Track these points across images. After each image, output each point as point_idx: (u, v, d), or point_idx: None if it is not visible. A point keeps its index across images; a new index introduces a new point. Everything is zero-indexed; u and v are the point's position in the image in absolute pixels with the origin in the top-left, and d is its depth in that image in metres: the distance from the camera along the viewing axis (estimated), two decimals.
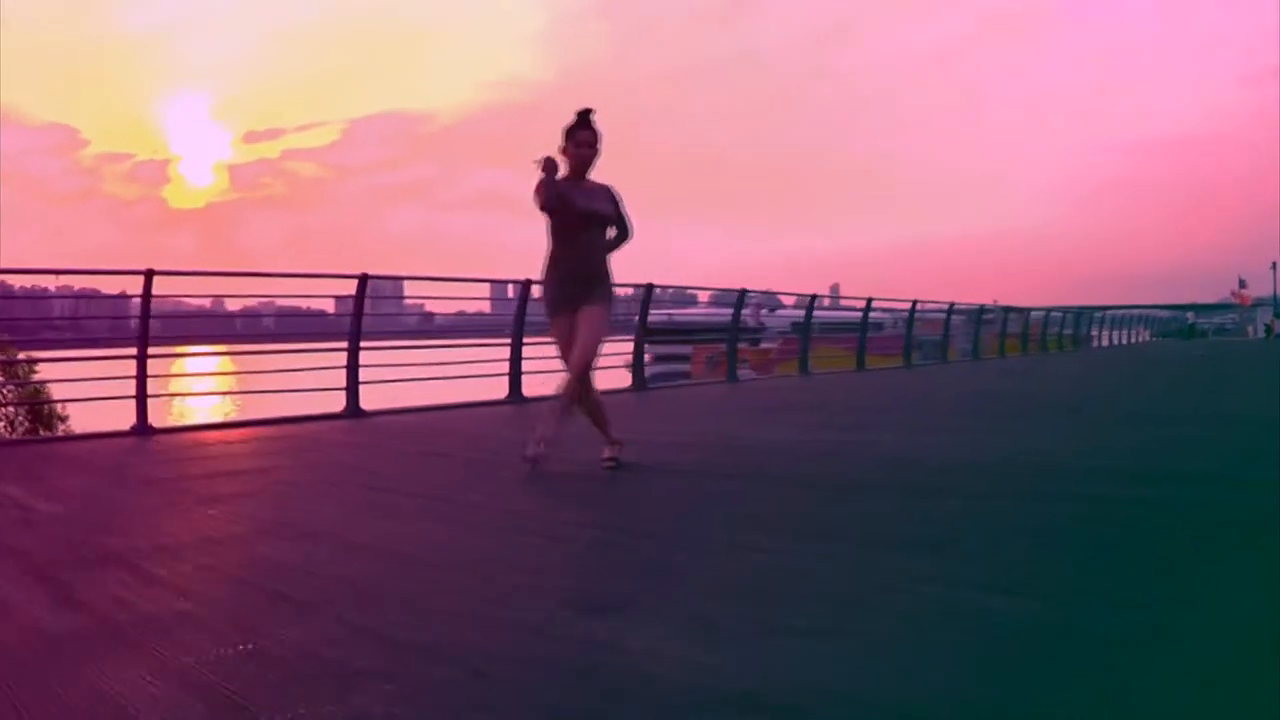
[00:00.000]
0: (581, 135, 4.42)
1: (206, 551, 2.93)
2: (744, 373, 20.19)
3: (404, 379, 8.35)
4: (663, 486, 4.15)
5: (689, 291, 21.37)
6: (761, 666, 1.82)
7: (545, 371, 9.68)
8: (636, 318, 10.91)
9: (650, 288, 10.81)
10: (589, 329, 4.40)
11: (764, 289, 12.76)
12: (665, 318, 25.11)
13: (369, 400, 7.80)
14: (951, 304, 17.30)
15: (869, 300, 14.45)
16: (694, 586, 2.43)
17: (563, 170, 4.36)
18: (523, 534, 3.21)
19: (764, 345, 25.63)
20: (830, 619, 2.11)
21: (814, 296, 13.88)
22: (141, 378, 6.45)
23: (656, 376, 18.26)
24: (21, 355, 8.22)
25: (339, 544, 3.01)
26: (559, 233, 4.44)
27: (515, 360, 9.08)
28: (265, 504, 3.85)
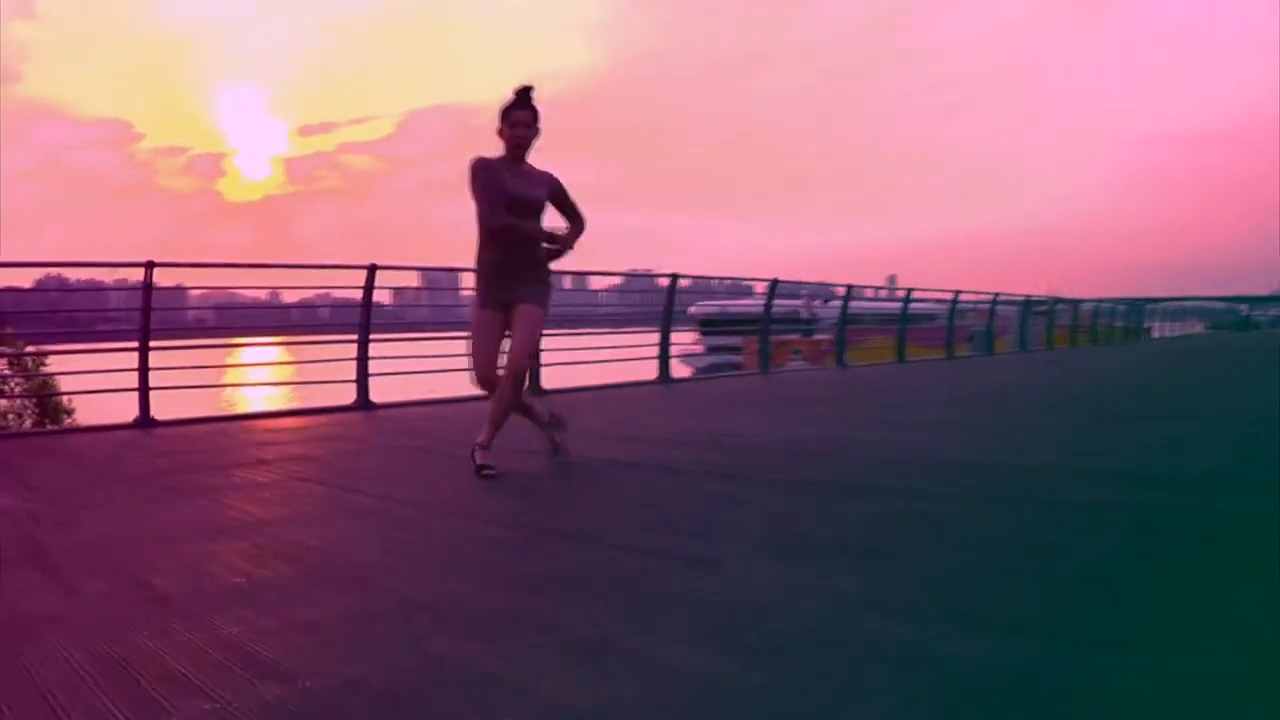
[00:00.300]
0: (517, 115, 4.12)
1: (118, 552, 2.80)
2: (797, 363, 19.98)
3: (412, 371, 8.24)
4: (637, 485, 3.95)
5: (745, 283, 21.21)
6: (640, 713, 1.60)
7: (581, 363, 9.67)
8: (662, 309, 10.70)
9: (676, 278, 10.62)
10: (526, 330, 4.17)
11: (820, 280, 12.65)
12: (718, 309, 24.94)
13: (386, 393, 7.74)
14: (996, 294, 16.82)
15: (909, 291, 14.13)
16: (606, 605, 2.22)
17: (499, 151, 4.15)
18: (425, 534, 3.04)
19: (817, 336, 25.41)
20: (756, 658, 1.85)
21: (851, 287, 13.58)
22: (143, 370, 6.43)
23: (709, 368, 18.15)
24: (30, 349, 8.29)
25: (257, 545, 2.86)
26: (484, 220, 4.17)
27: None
28: (211, 503, 3.72)
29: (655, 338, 10.53)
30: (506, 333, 4.22)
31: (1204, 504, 3.31)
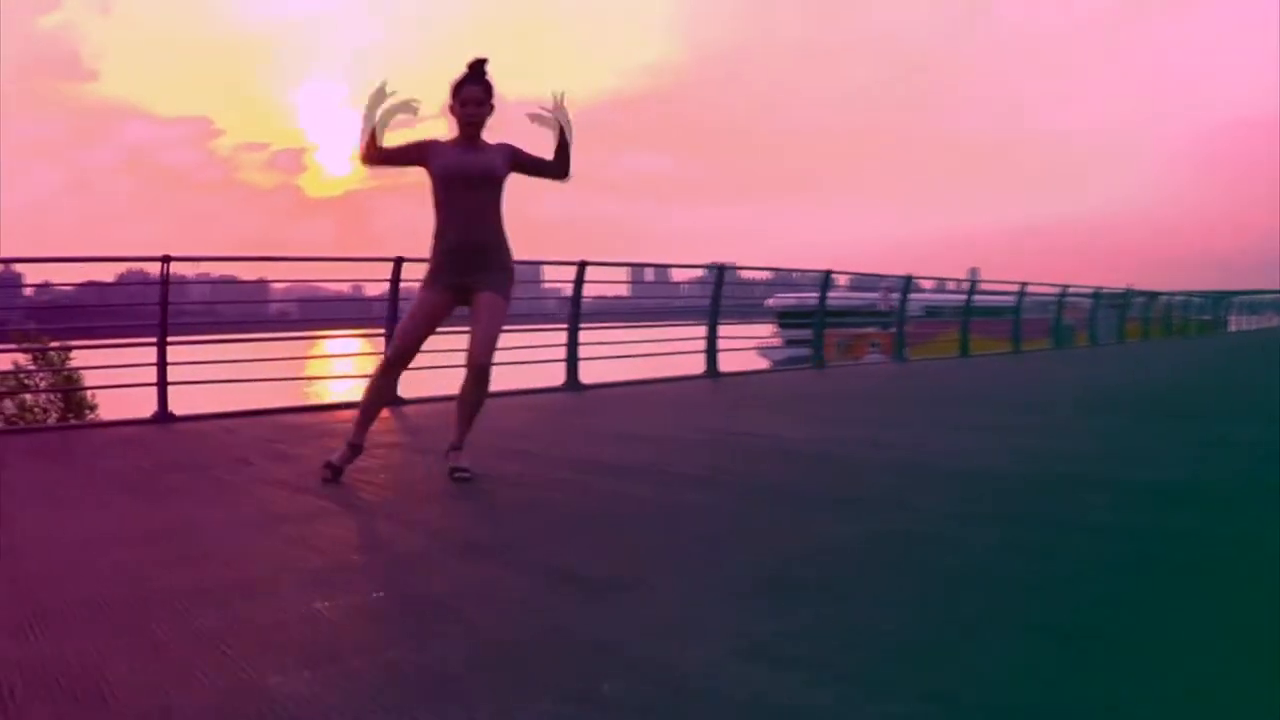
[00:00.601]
0: (468, 92, 3.80)
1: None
2: (874, 356, 19.42)
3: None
4: (600, 493, 3.66)
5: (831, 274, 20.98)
6: None
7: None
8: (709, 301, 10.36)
9: (722, 269, 10.30)
10: (491, 322, 3.86)
11: (904, 272, 12.21)
12: (795, 301, 24.46)
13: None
14: (1065, 287, 15.99)
15: (972, 284, 13.55)
16: (463, 631, 1.96)
17: (452, 132, 3.87)
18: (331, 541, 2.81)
19: (894, 329, 24.75)
20: (593, 713, 1.57)
21: (910, 278, 13.06)
22: (162, 365, 6.41)
23: (786, 360, 17.77)
24: (54, 344, 8.44)
25: (173, 552, 2.68)
26: (442, 198, 3.86)
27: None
28: (158, 503, 3.58)
29: (730, 330, 10.39)
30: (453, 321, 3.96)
31: (1226, 527, 2.87)
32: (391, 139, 3.88)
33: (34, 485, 4.16)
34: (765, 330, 21.71)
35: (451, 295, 3.92)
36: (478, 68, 3.84)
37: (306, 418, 6.74)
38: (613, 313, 14.04)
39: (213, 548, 2.81)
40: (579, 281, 8.86)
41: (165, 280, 6.38)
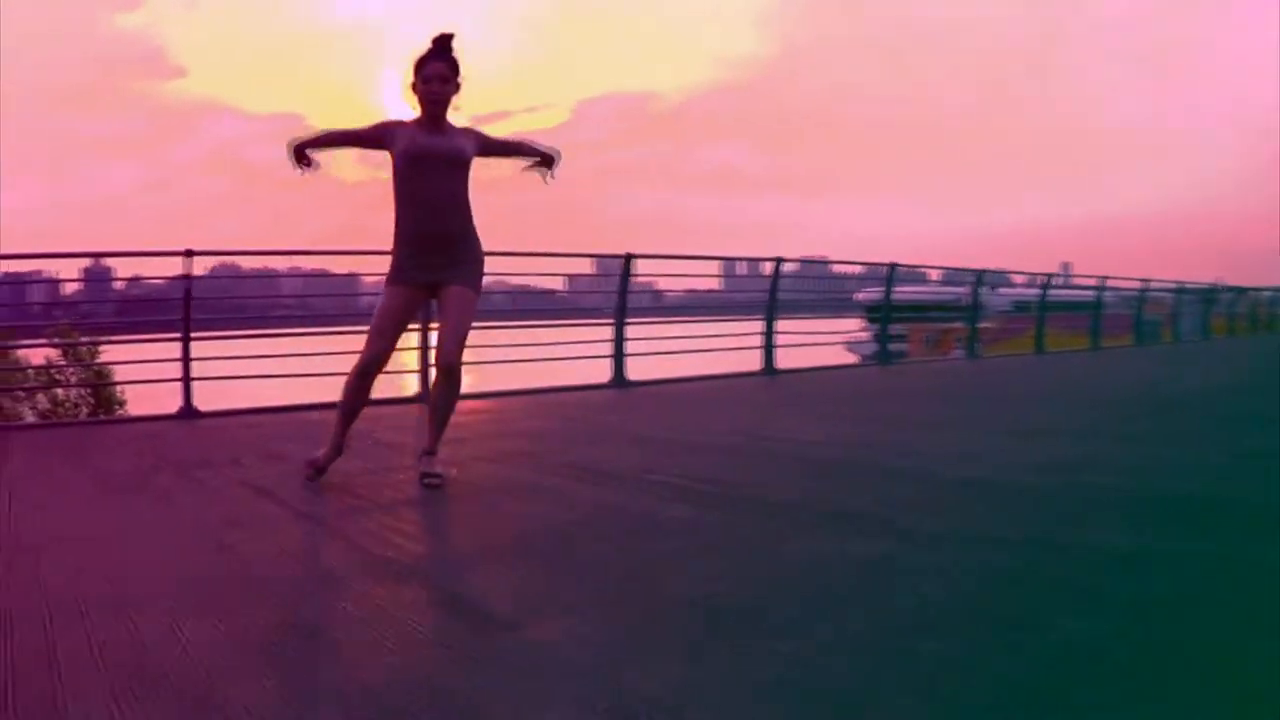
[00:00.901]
0: (433, 68, 3.52)
1: None
2: (958, 352, 18.73)
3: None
4: (572, 502, 3.36)
5: (919, 269, 20.51)
6: None
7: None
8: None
9: (780, 262, 9.85)
10: (461, 317, 3.60)
11: (996, 267, 11.85)
12: (883, 295, 23.81)
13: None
14: (1146, 281, 15.10)
15: (1048, 278, 13.03)
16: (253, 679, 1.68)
17: (416, 112, 3.60)
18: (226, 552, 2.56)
19: (983, 325, 24.00)
20: None
21: (982, 271, 12.48)
22: (186, 360, 6.36)
23: (874, 355, 17.32)
24: (84, 339, 8.53)
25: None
26: (404, 184, 3.58)
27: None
28: (120, 505, 3.42)
29: (807, 324, 10.37)
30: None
31: (1246, 552, 2.41)
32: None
33: (8, 484, 4.07)
34: (855, 324, 21.21)
35: (420, 291, 3.66)
36: (444, 42, 3.58)
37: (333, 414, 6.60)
38: (675, 307, 13.70)
39: (133, 556, 2.69)
40: (625, 275, 8.61)
41: (188, 276, 6.32)
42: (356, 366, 3.72)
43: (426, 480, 3.61)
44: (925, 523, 2.86)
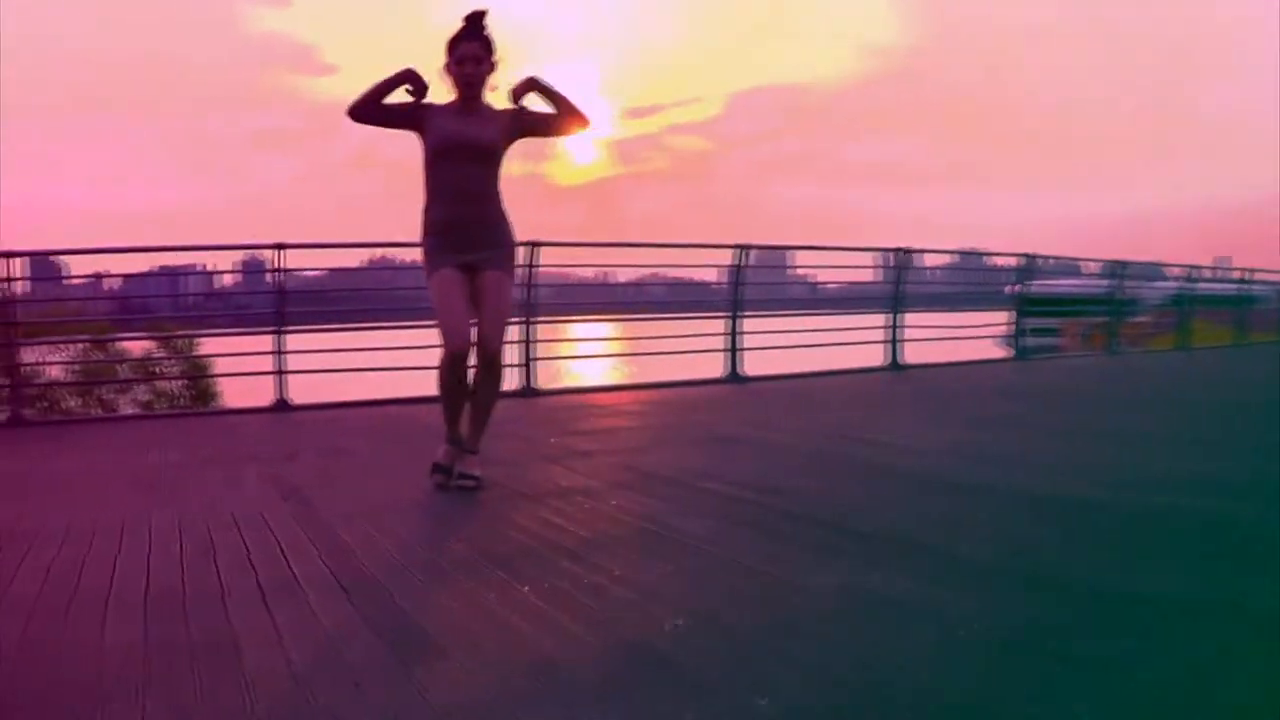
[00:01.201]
0: (466, 49, 3.32)
1: None
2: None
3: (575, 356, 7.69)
4: (589, 512, 3.04)
5: (1075, 261, 19.53)
6: None
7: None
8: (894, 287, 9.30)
9: (902, 252, 9.22)
10: (499, 303, 3.41)
11: (1150, 259, 11.29)
12: (1038, 288, 22.80)
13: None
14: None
15: (1191, 271, 12.26)
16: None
17: (451, 95, 3.40)
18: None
19: (1137, 319, 22.65)
20: None
21: (1119, 263, 11.87)
22: (278, 354, 6.38)
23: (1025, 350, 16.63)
24: (180, 333, 8.69)
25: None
26: (434, 168, 3.41)
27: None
28: (145, 498, 3.33)
29: (949, 318, 10.16)
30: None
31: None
32: None
33: (69, 475, 4.12)
34: (1004, 318, 20.19)
35: (457, 272, 3.42)
36: (476, 21, 3.37)
37: (423, 409, 6.50)
38: (801, 301, 13.10)
39: (123, 552, 2.62)
40: (738, 267, 8.22)
41: (280, 270, 6.32)
42: (443, 361, 3.44)
43: (460, 481, 3.39)
44: (947, 549, 2.43)
